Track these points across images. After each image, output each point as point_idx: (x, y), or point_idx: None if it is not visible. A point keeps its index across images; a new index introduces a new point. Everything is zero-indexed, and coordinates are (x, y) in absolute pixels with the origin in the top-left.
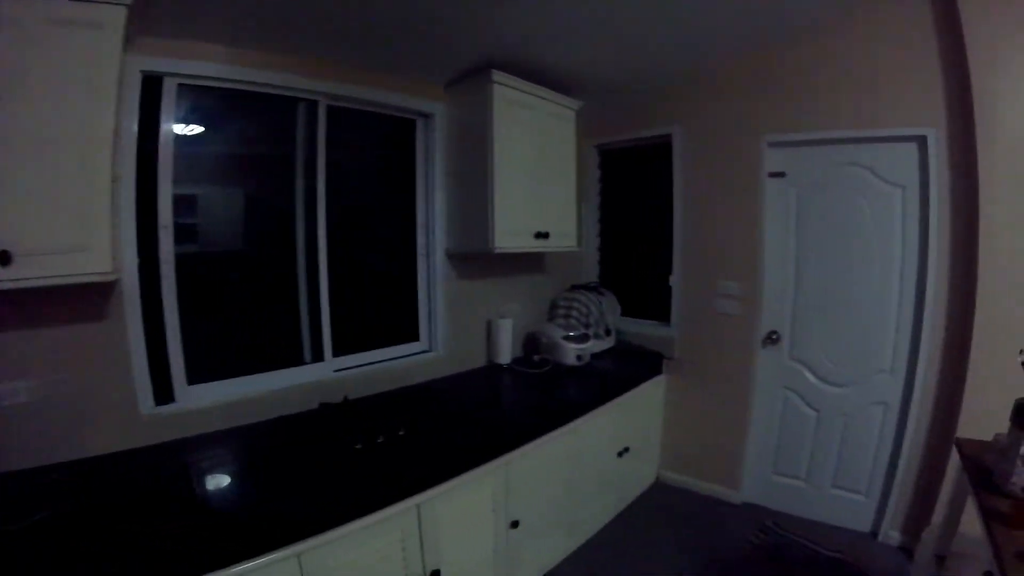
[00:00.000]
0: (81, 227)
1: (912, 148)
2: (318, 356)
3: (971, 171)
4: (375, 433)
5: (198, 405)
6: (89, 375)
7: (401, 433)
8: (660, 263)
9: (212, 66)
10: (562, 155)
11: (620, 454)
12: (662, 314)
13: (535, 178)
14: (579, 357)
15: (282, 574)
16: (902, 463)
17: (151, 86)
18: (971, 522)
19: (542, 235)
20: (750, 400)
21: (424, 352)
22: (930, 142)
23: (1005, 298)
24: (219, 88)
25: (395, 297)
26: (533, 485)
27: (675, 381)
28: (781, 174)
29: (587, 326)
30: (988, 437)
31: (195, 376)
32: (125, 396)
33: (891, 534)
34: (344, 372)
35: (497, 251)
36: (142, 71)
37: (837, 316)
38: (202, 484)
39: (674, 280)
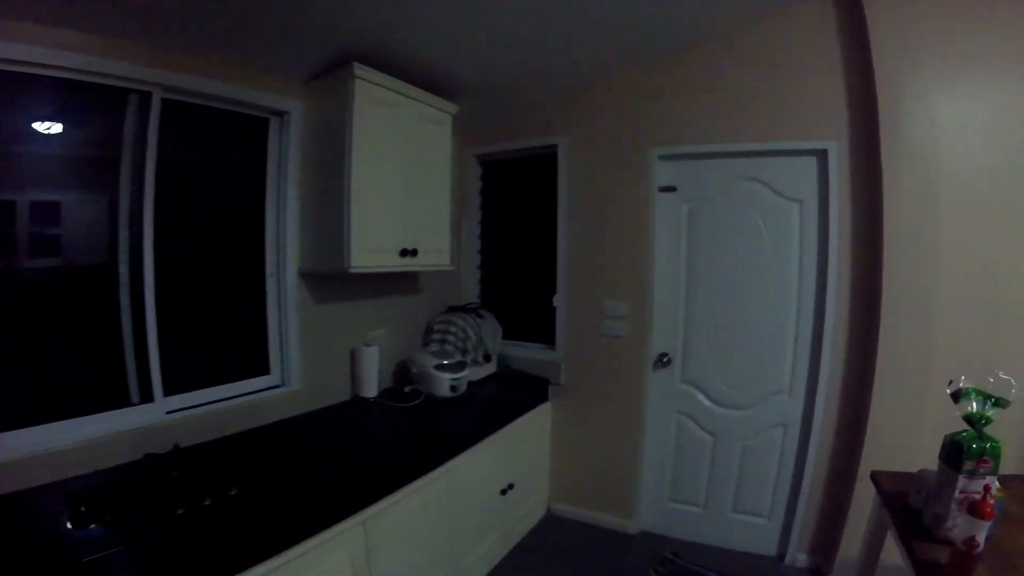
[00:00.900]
0: None
1: (811, 162)
2: (147, 396)
3: (874, 186)
4: (203, 492)
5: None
6: None
7: (234, 492)
8: (545, 282)
9: (13, 47)
10: (436, 163)
11: (504, 491)
12: (547, 337)
13: (403, 188)
14: (454, 387)
15: None
16: (805, 485)
17: None
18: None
19: (409, 252)
20: (642, 426)
21: (276, 387)
22: (831, 156)
23: (909, 315)
24: (25, 74)
25: (241, 324)
26: (403, 538)
27: (562, 408)
28: (672, 188)
29: (464, 352)
30: (895, 458)
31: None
32: None
33: (799, 557)
34: (179, 414)
35: (353, 271)
36: None
37: (731, 336)
38: None
39: (559, 301)
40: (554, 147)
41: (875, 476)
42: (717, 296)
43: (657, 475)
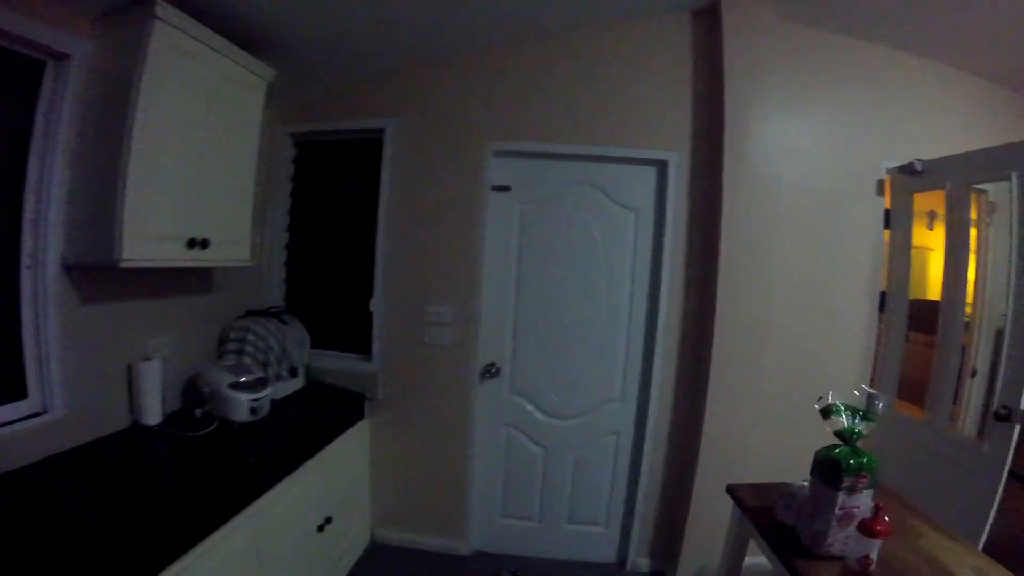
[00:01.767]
0: None
1: (651, 172)
2: None
3: (712, 201)
4: None
5: None
6: None
7: None
8: (362, 284)
9: None
10: (242, 138)
11: (322, 527)
12: (363, 346)
13: (198, 164)
14: (254, 410)
15: None
16: (642, 491)
17: None
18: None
19: (199, 243)
20: (470, 441)
21: (35, 416)
22: (671, 167)
23: (741, 325)
24: None
25: None
26: None
27: (381, 425)
28: (506, 188)
29: (266, 365)
30: (730, 462)
31: None
32: None
33: (640, 561)
34: None
35: (125, 264)
36: None
37: (563, 345)
38: None
39: (376, 305)
40: (380, 131)
41: (733, 490)
42: (548, 303)
43: (488, 492)
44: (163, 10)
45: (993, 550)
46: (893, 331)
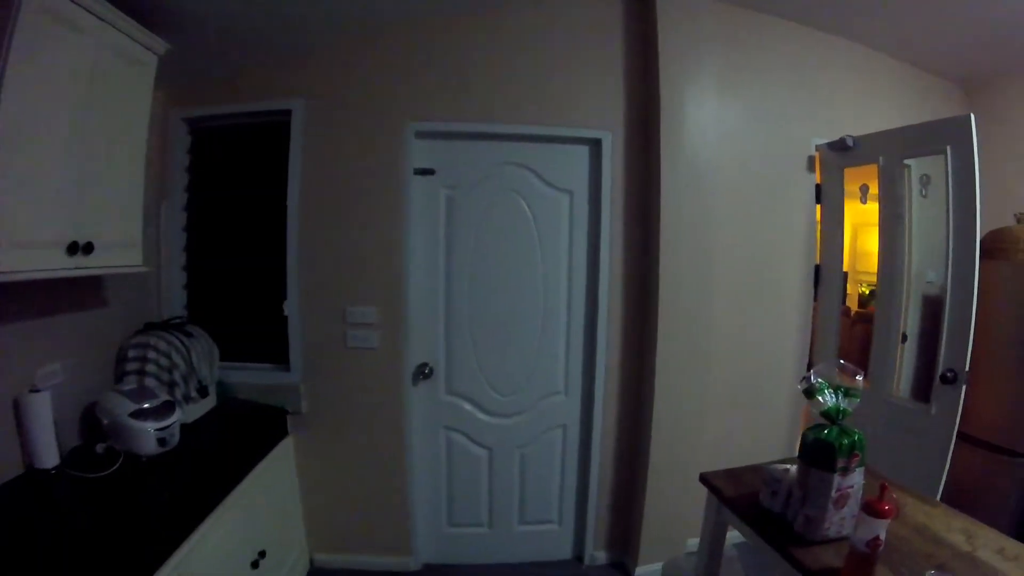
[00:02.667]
0: None
1: (584, 152)
2: None
3: (648, 180)
4: None
5: None
6: None
7: None
8: (276, 285)
9: None
10: (129, 122)
11: (256, 563)
12: (280, 355)
13: (78, 154)
14: (162, 440)
15: None
16: (593, 484)
17: None
18: None
19: (81, 248)
20: (407, 449)
21: None
22: (605, 146)
23: (686, 306)
24: None
25: None
26: None
27: (309, 442)
28: (430, 171)
29: (171, 386)
30: (681, 448)
31: None
32: None
33: (597, 555)
34: None
35: None
36: None
37: (500, 338)
38: None
39: (290, 308)
40: (287, 113)
41: (707, 479)
42: (482, 295)
43: (432, 501)
44: None
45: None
46: (828, 304)
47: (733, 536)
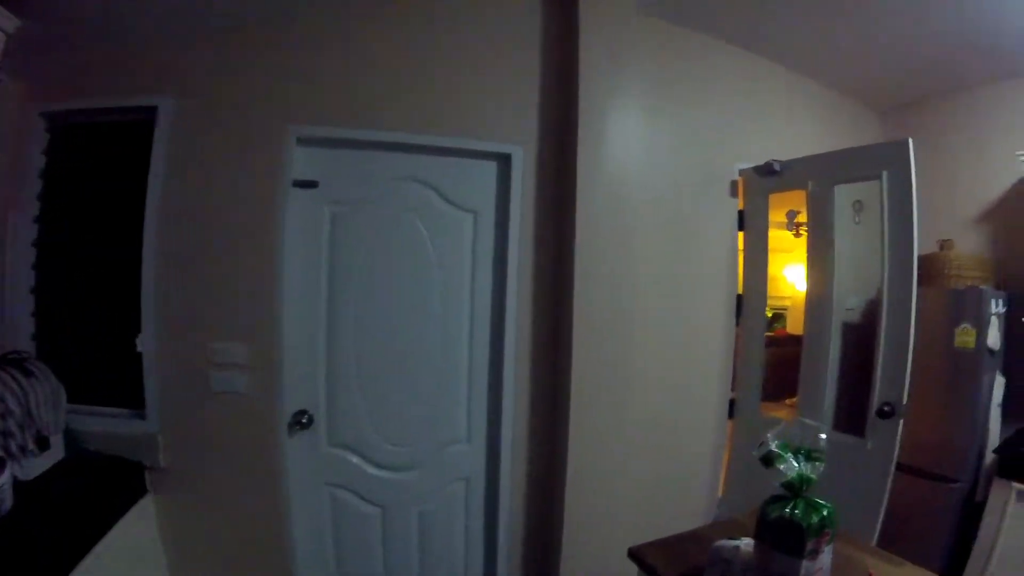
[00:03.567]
0: None
1: (491, 168)
2: None
3: (562, 200)
4: None
5: None
6: None
7: None
8: (134, 316)
9: None
10: None
11: None
12: (137, 398)
13: None
14: None
15: None
16: (503, 541)
17: None
18: None
19: None
20: (286, 509)
21: None
22: (515, 162)
23: (601, 343)
24: None
25: None
26: None
27: (172, 501)
28: (312, 184)
29: (5, 437)
30: (599, 499)
31: None
32: None
33: None
34: None
35: None
36: None
37: (392, 380)
38: None
39: (145, 343)
40: (152, 112)
41: (638, 555)
42: (371, 330)
43: (316, 568)
44: None
45: (884, 537)
46: (752, 334)
47: None
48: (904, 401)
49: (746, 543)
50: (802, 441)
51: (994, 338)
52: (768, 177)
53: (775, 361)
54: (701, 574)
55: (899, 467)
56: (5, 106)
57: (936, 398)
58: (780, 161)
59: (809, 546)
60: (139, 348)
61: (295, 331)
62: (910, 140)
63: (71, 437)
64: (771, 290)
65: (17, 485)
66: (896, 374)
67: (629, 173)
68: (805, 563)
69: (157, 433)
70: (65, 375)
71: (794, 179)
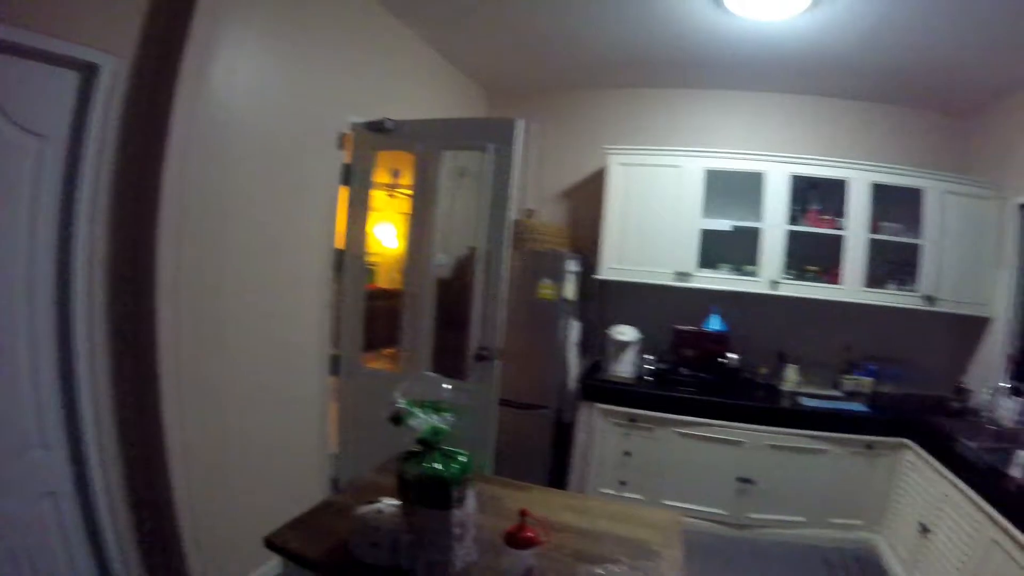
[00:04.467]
0: None
1: (71, 80)
2: None
3: (155, 136)
4: None
5: None
6: None
7: None
8: None
9: None
10: None
11: None
12: None
13: None
14: None
15: None
16: (116, 564)
17: None
18: None
19: None
20: None
21: None
22: (104, 76)
23: (197, 302)
24: None
25: None
26: None
27: None
28: None
29: None
30: (221, 471)
31: None
32: None
33: None
34: None
35: None
36: None
37: None
38: None
39: None
40: None
41: (276, 543)
42: None
43: None
44: None
45: (498, 462)
46: (353, 289)
47: None
48: (500, 345)
49: (388, 503)
50: (426, 395)
51: (570, 291)
52: (379, 134)
53: (370, 315)
54: (348, 545)
55: (500, 402)
56: None
57: (525, 341)
58: (394, 120)
59: (455, 495)
60: None
61: None
62: (522, 120)
63: None
64: (368, 247)
65: None
66: (492, 322)
67: (236, 106)
68: (456, 512)
69: None
70: None
71: (404, 140)
